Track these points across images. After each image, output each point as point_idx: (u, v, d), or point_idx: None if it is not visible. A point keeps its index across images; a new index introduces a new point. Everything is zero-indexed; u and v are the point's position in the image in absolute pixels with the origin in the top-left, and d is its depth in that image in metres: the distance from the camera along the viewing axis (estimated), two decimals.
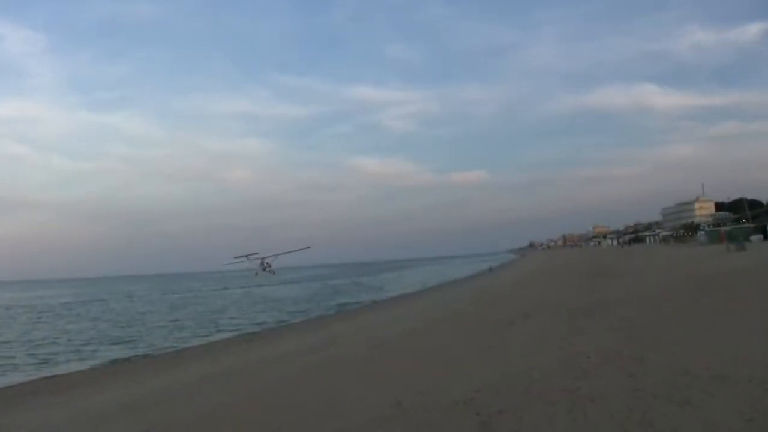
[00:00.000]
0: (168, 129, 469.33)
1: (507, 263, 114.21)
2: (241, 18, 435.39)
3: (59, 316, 51.40)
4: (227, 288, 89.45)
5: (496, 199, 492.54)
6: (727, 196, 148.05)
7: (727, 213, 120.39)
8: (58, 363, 22.66)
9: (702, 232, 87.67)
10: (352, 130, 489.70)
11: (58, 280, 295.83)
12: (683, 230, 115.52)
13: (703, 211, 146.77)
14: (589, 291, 24.06)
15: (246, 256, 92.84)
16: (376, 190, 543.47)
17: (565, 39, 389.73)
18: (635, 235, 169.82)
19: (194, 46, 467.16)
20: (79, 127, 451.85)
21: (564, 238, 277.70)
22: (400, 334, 18.10)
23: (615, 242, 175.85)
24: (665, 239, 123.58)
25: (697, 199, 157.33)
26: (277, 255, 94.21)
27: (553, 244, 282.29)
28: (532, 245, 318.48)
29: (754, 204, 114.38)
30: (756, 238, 67.42)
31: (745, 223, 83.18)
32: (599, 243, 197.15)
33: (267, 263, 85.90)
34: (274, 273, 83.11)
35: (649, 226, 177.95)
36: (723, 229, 72.73)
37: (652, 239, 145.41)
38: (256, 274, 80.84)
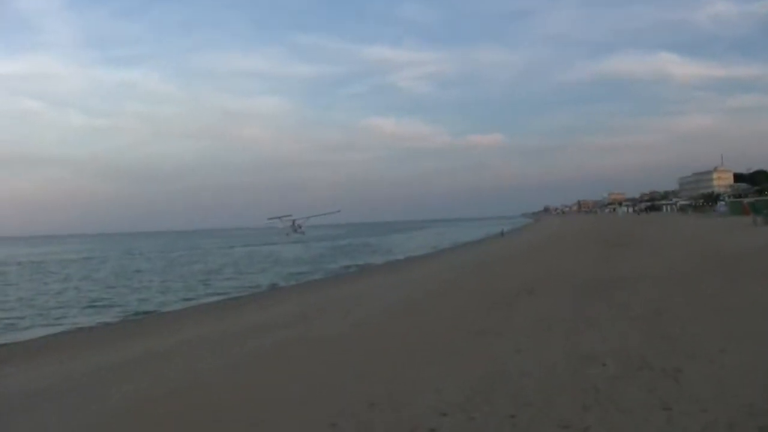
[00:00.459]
0: (184, 87, 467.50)
1: (520, 227, 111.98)
2: None
3: (50, 273, 49.84)
4: (233, 246, 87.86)
5: (513, 163, 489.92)
6: (748, 167, 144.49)
7: (746, 184, 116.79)
8: (18, 329, 20.59)
9: (722, 203, 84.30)
10: (368, 91, 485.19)
11: (72, 235, 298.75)
12: (702, 200, 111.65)
13: (721, 181, 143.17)
14: (603, 263, 21.60)
15: (279, 217, 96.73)
16: (392, 151, 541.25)
17: (584, 5, 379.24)
18: (651, 203, 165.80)
19: (211, 4, 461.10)
20: (95, 83, 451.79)
21: (579, 203, 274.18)
22: (385, 310, 15.73)
23: (630, 210, 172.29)
24: (683, 208, 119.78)
25: (715, 170, 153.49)
26: (308, 218, 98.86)
27: (567, 209, 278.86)
28: (546, 210, 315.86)
29: None
30: None
31: (766, 194, 79.73)
32: (614, 210, 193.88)
33: (298, 224, 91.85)
34: (304, 233, 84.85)
35: (665, 195, 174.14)
36: (746, 200, 69.23)
37: (668, 208, 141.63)
38: (287, 234, 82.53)
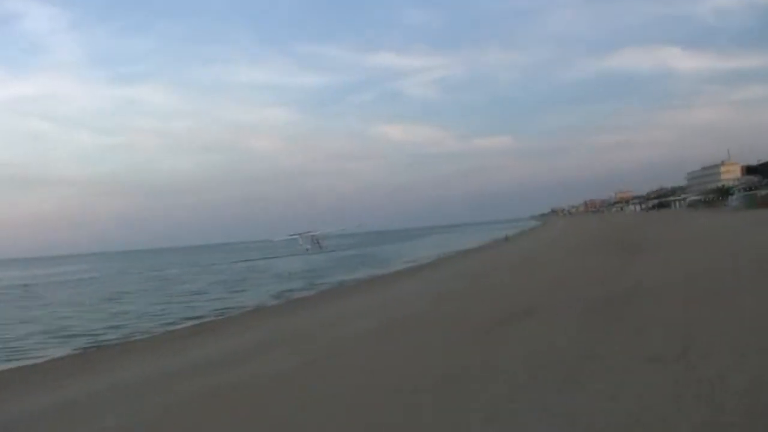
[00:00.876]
0: (191, 101, 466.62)
1: (527, 231, 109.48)
2: None
3: (37, 297, 48.59)
4: (236, 261, 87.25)
5: (521, 165, 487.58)
6: (756, 159, 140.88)
7: (757, 177, 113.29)
8: None
9: (734, 197, 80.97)
10: (376, 98, 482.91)
11: (84, 255, 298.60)
12: (714, 194, 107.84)
13: (730, 174, 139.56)
14: (613, 271, 18.86)
15: (300, 234, 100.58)
16: (401, 157, 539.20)
17: (586, 3, 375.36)
18: (660, 200, 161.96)
19: (215, 17, 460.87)
20: (103, 101, 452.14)
21: (585, 203, 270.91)
22: (343, 343, 13.14)
23: (638, 208, 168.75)
24: (693, 204, 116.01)
25: (723, 163, 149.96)
26: (327, 233, 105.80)
27: (574, 210, 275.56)
28: (554, 211, 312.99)
29: None
30: None
31: None
32: (622, 209, 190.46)
33: (317, 240, 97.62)
34: (322, 248, 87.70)
35: (673, 191, 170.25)
36: (761, 193, 65.99)
37: (678, 204, 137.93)
38: (307, 249, 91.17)
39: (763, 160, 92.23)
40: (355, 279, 40.76)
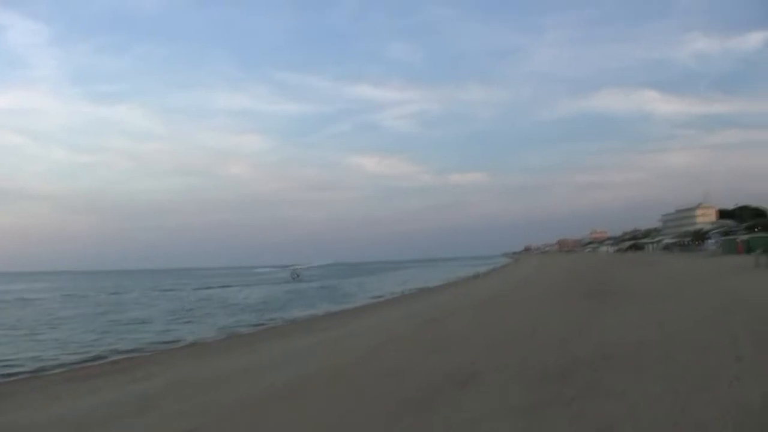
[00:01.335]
0: (167, 123, 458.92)
1: (498, 268, 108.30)
2: (242, 14, 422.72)
3: None
4: (198, 288, 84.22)
5: (496, 202, 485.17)
6: (731, 203, 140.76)
7: (732, 221, 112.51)
8: None
9: (711, 241, 79.28)
10: (352, 129, 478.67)
11: (51, 272, 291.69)
12: (691, 238, 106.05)
13: (705, 218, 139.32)
14: (577, 325, 16.20)
15: (281, 266, 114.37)
16: (376, 189, 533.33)
17: (568, 44, 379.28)
18: (634, 242, 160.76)
19: (195, 42, 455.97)
20: (79, 119, 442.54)
21: (558, 242, 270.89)
22: (230, 410, 10.23)
23: (612, 249, 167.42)
24: (668, 247, 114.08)
25: (699, 206, 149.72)
26: (307, 267, 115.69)
27: (548, 248, 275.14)
28: (527, 249, 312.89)
29: (758, 213, 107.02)
30: None
31: (757, 231, 74.92)
32: (595, 249, 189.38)
33: (297, 273, 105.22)
34: (301, 279, 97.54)
35: (648, 233, 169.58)
36: (740, 238, 64.12)
37: (652, 247, 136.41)
38: (291, 280, 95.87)
39: (740, 203, 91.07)
40: (309, 315, 37.79)
